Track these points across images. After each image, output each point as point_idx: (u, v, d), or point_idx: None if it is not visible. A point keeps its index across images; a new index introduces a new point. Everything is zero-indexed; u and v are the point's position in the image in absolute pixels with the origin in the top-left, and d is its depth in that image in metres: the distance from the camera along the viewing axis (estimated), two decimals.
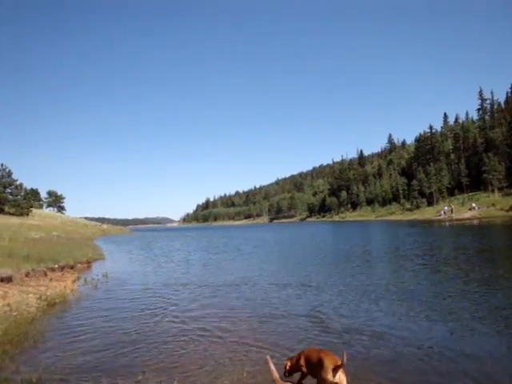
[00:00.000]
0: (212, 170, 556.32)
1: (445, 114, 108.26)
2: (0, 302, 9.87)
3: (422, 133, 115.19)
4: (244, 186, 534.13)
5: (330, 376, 4.23)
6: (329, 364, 4.33)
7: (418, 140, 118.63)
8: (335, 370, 4.25)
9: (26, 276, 13.35)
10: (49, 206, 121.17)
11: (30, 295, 11.26)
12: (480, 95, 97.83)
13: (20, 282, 12.50)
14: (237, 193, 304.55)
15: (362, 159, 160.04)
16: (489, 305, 9.22)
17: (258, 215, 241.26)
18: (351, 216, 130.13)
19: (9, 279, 12.08)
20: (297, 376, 4.93)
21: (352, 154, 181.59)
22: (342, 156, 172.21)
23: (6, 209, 65.68)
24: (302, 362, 4.85)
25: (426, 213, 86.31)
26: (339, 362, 4.27)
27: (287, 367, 5.00)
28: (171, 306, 10.97)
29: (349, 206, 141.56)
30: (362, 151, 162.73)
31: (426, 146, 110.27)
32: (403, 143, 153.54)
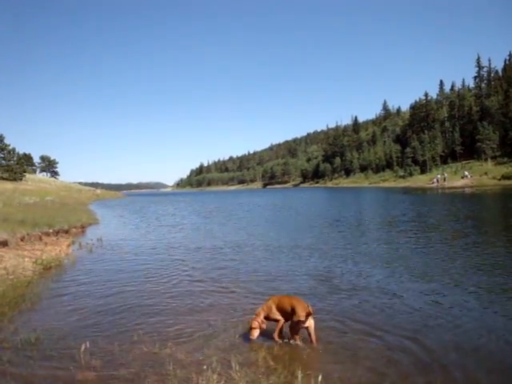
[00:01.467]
0: (206, 135, 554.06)
1: (441, 82, 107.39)
2: None
3: (418, 100, 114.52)
4: (238, 151, 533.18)
5: (302, 320, 5.27)
6: (301, 311, 5.33)
7: (413, 107, 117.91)
8: (306, 317, 5.25)
9: (22, 240, 13.50)
10: (42, 171, 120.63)
11: (26, 259, 11.43)
12: (477, 63, 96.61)
13: (16, 247, 12.66)
14: (231, 158, 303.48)
15: (356, 126, 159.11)
16: (468, 266, 9.62)
17: (252, 181, 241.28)
18: (345, 182, 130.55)
19: (4, 243, 12.23)
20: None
21: (346, 121, 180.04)
22: (337, 122, 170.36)
23: None
24: (275, 310, 5.69)
25: (419, 180, 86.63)
26: (309, 309, 5.20)
27: (261, 317, 5.76)
28: (163, 267, 11.27)
29: (342, 172, 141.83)
30: (356, 118, 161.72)
31: (421, 114, 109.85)
32: (398, 110, 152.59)
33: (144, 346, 5.64)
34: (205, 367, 4.83)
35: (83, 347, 5.32)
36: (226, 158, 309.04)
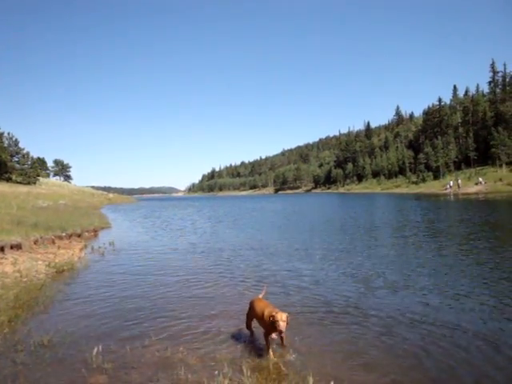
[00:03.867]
0: (218, 141, 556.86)
1: (454, 87, 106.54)
2: (11, 269, 10.14)
3: (431, 105, 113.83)
4: (250, 156, 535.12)
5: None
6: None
7: (427, 113, 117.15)
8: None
9: (35, 243, 13.63)
10: (55, 174, 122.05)
11: (39, 262, 11.53)
12: (492, 68, 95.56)
13: (29, 250, 12.77)
14: (242, 163, 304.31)
15: (368, 131, 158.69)
16: (476, 275, 9.43)
17: (264, 186, 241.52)
18: (357, 188, 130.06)
19: (18, 246, 12.35)
20: None
21: (359, 126, 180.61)
22: (349, 128, 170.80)
23: (14, 177, 66.22)
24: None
25: (432, 186, 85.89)
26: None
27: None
28: (175, 271, 11.30)
29: (354, 178, 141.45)
30: (369, 123, 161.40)
31: (434, 119, 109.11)
32: (411, 116, 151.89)
33: (156, 350, 5.64)
34: (216, 372, 4.82)
35: (95, 350, 5.33)
36: (238, 163, 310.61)
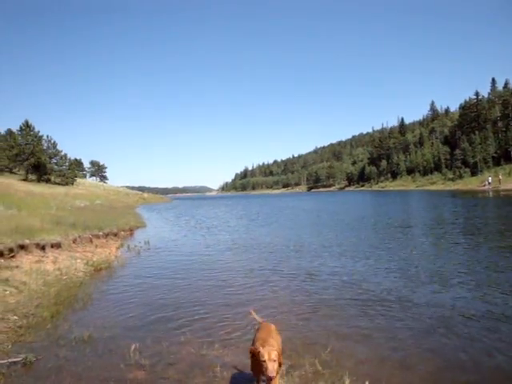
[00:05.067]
0: (251, 139, 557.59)
1: (493, 80, 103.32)
2: (51, 267, 10.46)
3: (468, 99, 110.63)
4: (282, 154, 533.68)
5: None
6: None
7: (463, 107, 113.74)
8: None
9: (74, 242, 13.99)
10: (92, 175, 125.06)
11: (78, 260, 11.85)
12: None
13: (68, 248, 13.13)
14: (275, 162, 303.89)
15: (402, 127, 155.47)
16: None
17: (297, 184, 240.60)
18: (391, 185, 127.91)
19: (58, 245, 12.71)
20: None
21: (392, 123, 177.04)
22: (383, 124, 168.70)
23: (52, 178, 68.19)
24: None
25: (469, 183, 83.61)
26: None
27: None
28: (211, 269, 11.44)
29: (388, 175, 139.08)
30: (402, 119, 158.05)
31: (472, 114, 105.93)
32: (447, 111, 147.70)
33: (191, 347, 5.71)
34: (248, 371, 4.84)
35: (133, 347, 5.46)
36: (271, 161, 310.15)
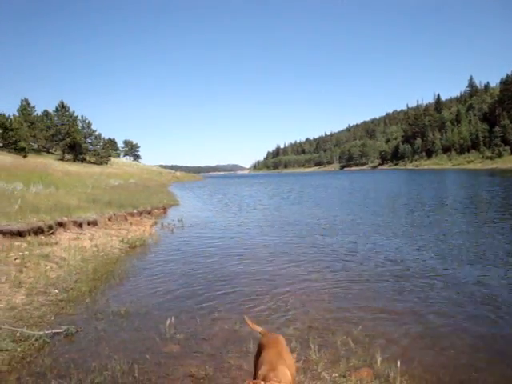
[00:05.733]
0: (283, 118, 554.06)
1: None
2: (88, 243, 10.81)
3: (510, 74, 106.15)
4: (315, 132, 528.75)
5: None
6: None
7: (505, 82, 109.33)
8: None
9: (109, 220, 14.37)
10: (125, 154, 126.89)
11: (114, 238, 12.19)
12: None
13: (104, 226, 13.51)
14: (307, 140, 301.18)
15: (438, 104, 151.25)
16: None
17: (329, 162, 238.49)
18: (425, 164, 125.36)
19: (94, 223, 13.09)
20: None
21: (428, 99, 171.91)
22: (418, 101, 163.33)
23: (88, 158, 69.77)
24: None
25: (509, 161, 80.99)
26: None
27: None
28: (243, 247, 11.65)
29: (423, 153, 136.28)
30: (439, 96, 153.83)
31: None
32: (486, 87, 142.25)
33: (224, 323, 5.84)
34: None
35: (168, 321, 5.61)
36: (303, 139, 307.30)
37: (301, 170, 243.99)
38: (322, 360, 4.64)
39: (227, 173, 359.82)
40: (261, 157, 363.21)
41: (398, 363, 4.31)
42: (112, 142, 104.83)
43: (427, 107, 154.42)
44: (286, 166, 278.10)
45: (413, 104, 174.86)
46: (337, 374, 4.35)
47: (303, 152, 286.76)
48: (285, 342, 3.58)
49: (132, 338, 5.40)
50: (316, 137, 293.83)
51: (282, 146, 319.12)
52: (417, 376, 4.34)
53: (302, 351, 4.89)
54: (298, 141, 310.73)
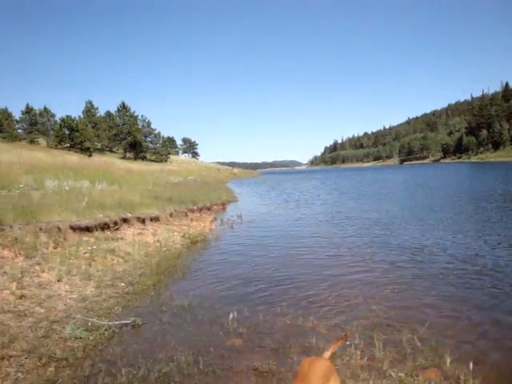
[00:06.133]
0: (341, 112, 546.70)
1: None
2: (151, 239, 11.13)
3: None
4: (373, 126, 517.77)
5: None
6: None
7: None
8: None
9: (170, 216, 14.73)
10: (184, 152, 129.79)
11: (175, 233, 12.48)
12: None
13: (166, 222, 13.87)
14: (365, 134, 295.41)
15: (507, 93, 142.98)
16: None
17: (388, 157, 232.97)
18: (492, 157, 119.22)
19: (156, 219, 13.46)
20: None
21: (494, 88, 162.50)
22: (483, 90, 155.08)
23: (148, 156, 72.03)
24: None
25: None
26: None
27: None
28: (304, 242, 11.60)
29: (489, 145, 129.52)
30: (507, 84, 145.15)
31: None
32: None
33: (287, 318, 5.80)
34: (348, 343, 4.81)
35: (231, 316, 5.66)
36: (361, 133, 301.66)
37: (359, 164, 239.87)
38: (386, 358, 4.50)
39: (284, 169, 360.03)
40: (318, 152, 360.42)
41: (471, 364, 4.11)
42: (171, 140, 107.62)
43: (494, 96, 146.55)
44: (343, 161, 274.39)
45: (477, 93, 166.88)
46: (403, 374, 4.19)
47: (361, 146, 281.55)
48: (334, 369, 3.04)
49: (196, 330, 5.49)
50: (374, 130, 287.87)
51: (339, 141, 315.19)
52: (492, 379, 4.10)
53: (366, 348, 4.77)
54: (355, 135, 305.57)
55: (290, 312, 6.03)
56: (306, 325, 5.53)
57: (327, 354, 3.13)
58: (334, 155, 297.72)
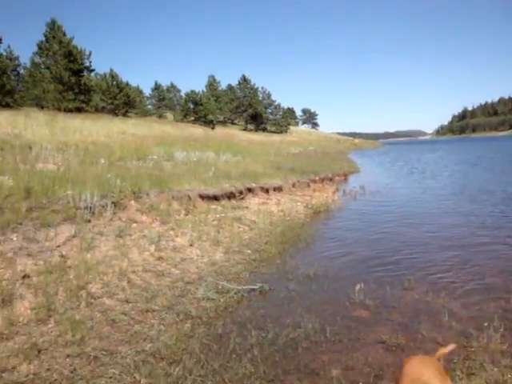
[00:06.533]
0: (470, 74, 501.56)
1: None
2: (275, 208, 11.38)
3: None
4: (510, 91, 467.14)
5: None
6: None
7: None
8: None
9: (293, 186, 14.87)
10: (304, 123, 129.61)
11: (298, 203, 12.60)
12: None
13: (288, 192, 14.04)
14: (501, 99, 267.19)
15: None
16: None
17: None
18: None
19: (279, 189, 13.70)
20: None
21: None
22: None
23: (268, 127, 73.20)
24: None
25: None
26: None
27: None
28: (428, 217, 11.03)
29: None
30: None
31: None
32: None
33: (415, 293, 5.58)
34: (486, 324, 4.48)
35: (358, 287, 5.59)
36: (495, 99, 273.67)
37: (492, 133, 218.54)
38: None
39: (407, 139, 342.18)
40: (445, 121, 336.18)
41: None
42: (291, 111, 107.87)
43: None
44: (474, 130, 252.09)
45: None
46: None
47: (495, 114, 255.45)
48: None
49: (321, 299, 5.53)
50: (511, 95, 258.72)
51: (469, 108, 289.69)
52: None
53: (508, 333, 4.36)
54: (488, 101, 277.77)
55: (419, 287, 5.77)
56: (437, 301, 5.26)
57: (436, 356, 2.83)
58: (462, 124, 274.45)
